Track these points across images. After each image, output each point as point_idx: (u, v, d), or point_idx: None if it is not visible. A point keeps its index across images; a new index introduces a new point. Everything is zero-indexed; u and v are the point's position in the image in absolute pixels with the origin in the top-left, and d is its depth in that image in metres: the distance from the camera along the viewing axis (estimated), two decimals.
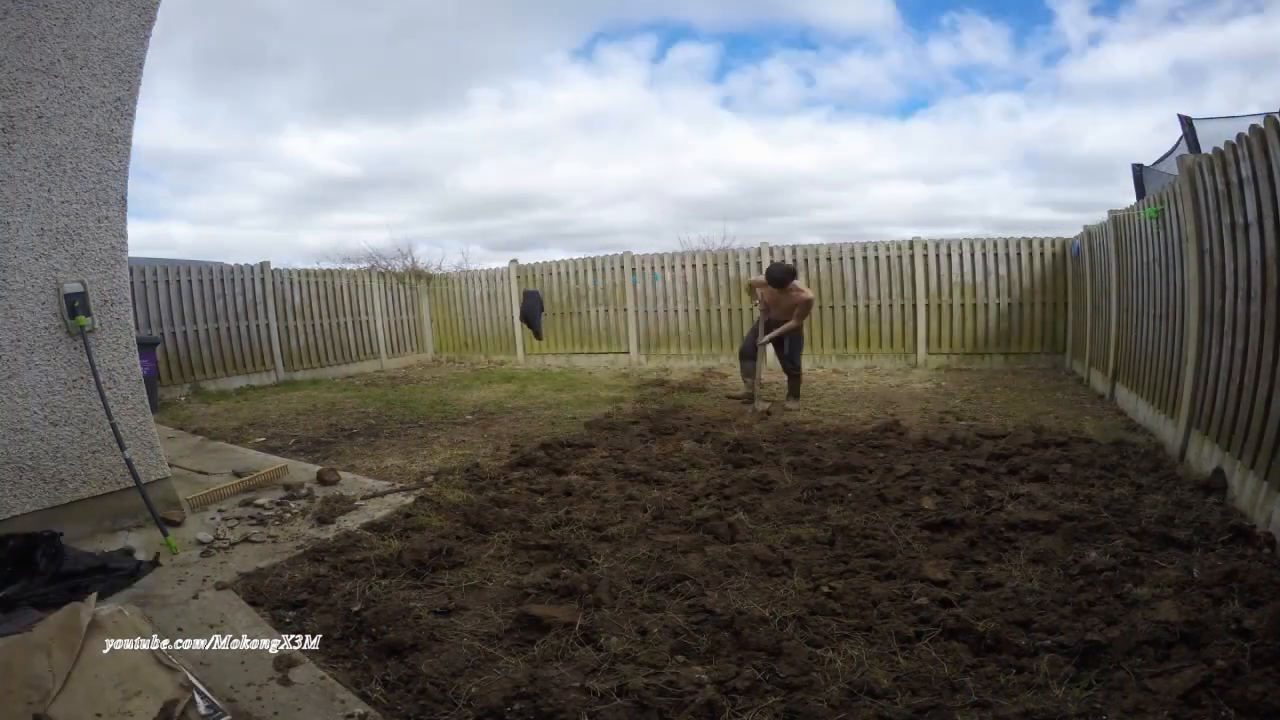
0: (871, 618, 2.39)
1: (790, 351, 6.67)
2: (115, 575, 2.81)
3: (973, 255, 9.20)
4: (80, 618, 2.17)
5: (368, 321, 11.63)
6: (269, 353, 9.95)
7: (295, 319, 10.38)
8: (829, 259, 9.82)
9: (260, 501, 3.94)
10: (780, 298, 6.43)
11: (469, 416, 6.88)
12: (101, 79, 3.41)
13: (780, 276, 6.32)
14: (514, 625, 2.45)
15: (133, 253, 3.80)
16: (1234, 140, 3.31)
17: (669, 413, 6.35)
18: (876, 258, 9.59)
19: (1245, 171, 3.16)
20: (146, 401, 3.76)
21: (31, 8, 3.12)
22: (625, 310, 11.01)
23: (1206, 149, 4.20)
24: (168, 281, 8.83)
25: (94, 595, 2.45)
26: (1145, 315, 5.17)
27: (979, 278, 9.19)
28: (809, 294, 6.53)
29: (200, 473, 4.70)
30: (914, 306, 9.42)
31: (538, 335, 11.35)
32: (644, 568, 2.88)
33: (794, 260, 9.94)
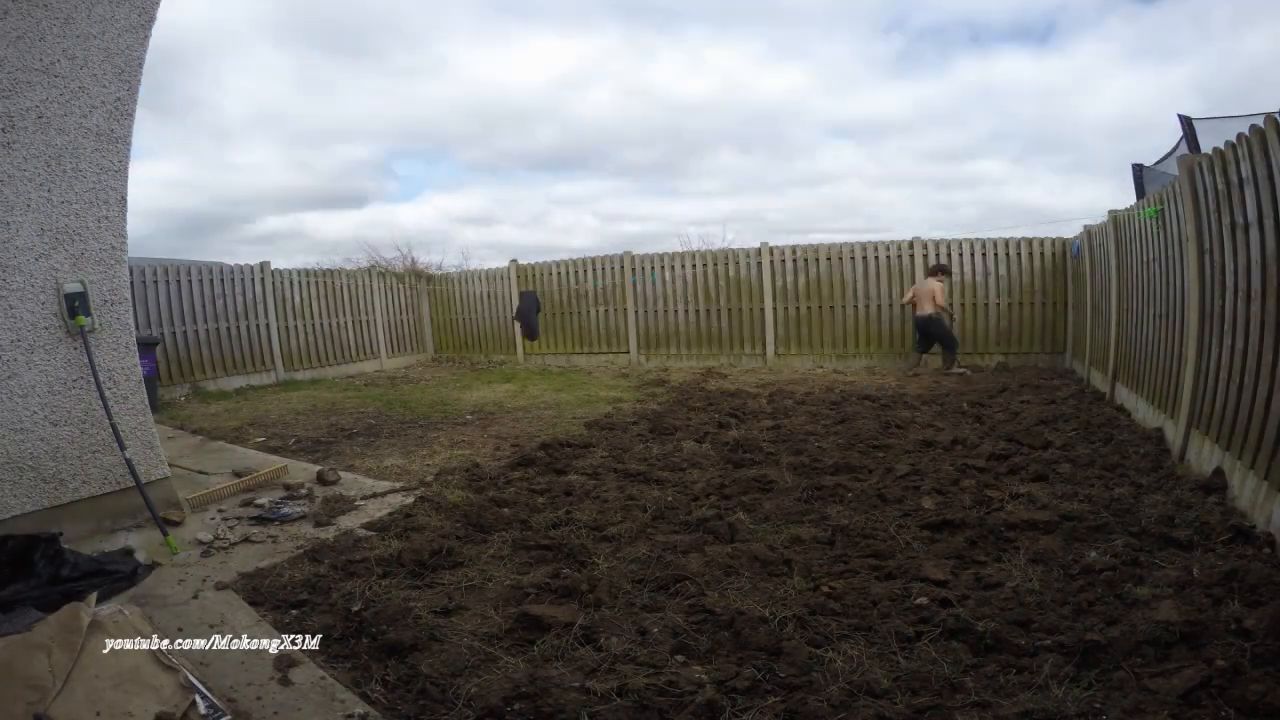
0: (871, 618, 2.39)
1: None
2: (112, 579, 2.80)
3: (972, 255, 9.20)
4: (80, 618, 2.17)
5: (368, 321, 11.63)
6: (269, 353, 9.96)
7: (295, 319, 10.39)
8: (829, 259, 9.82)
9: (260, 501, 3.94)
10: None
11: (469, 416, 6.88)
12: (101, 79, 3.41)
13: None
14: (514, 625, 2.45)
15: None
16: (1234, 140, 3.31)
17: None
18: (876, 258, 9.60)
19: (1245, 171, 3.16)
20: (146, 401, 3.76)
21: (31, 8, 3.12)
22: (625, 310, 11.01)
23: (1206, 149, 4.20)
24: (168, 281, 8.83)
25: (94, 595, 2.45)
26: (1145, 315, 5.17)
27: (979, 278, 9.20)
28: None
29: (200, 473, 4.70)
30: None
31: (531, 336, 11.37)
32: (644, 568, 2.88)
33: (796, 260, 9.97)
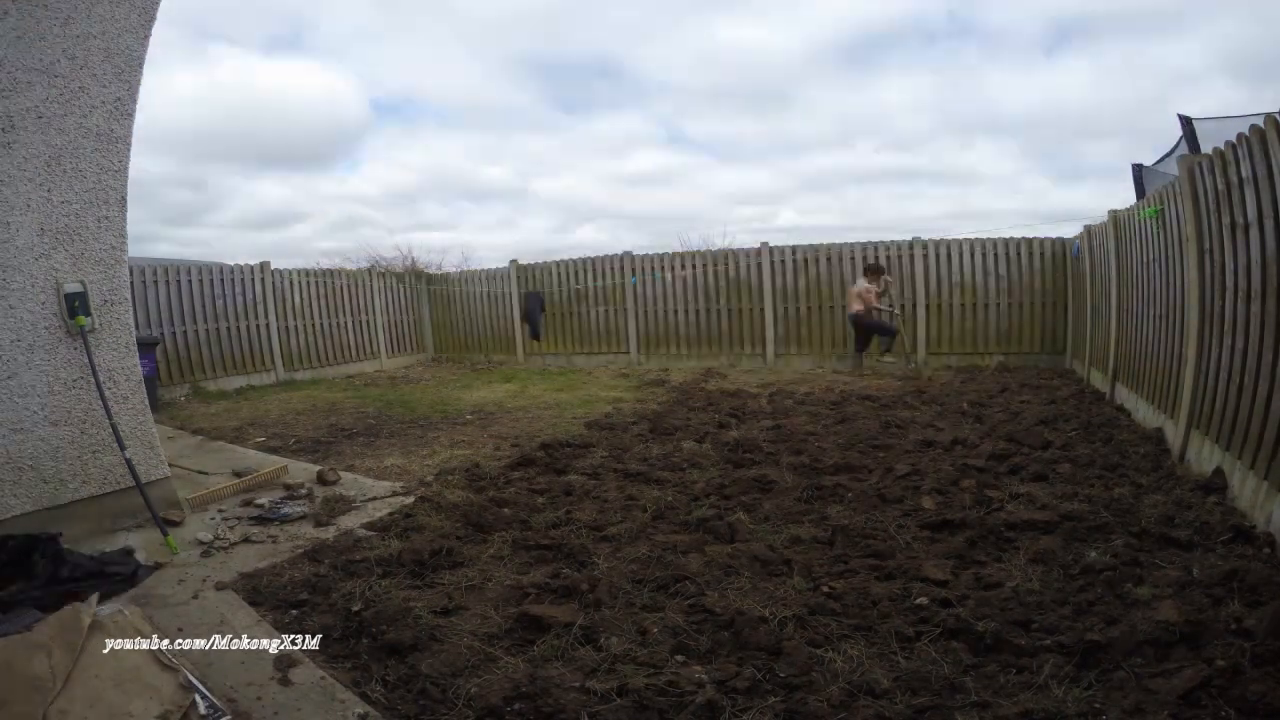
0: (871, 618, 2.39)
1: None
2: (111, 581, 2.79)
3: (973, 255, 9.20)
4: (81, 618, 2.17)
5: (368, 321, 11.63)
6: (269, 353, 9.95)
7: (295, 319, 10.38)
8: (829, 259, 9.82)
9: (260, 501, 3.94)
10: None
11: (469, 416, 6.88)
12: (101, 79, 3.41)
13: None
14: (514, 625, 2.45)
15: None
16: (1234, 140, 3.31)
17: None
18: (876, 258, 9.59)
19: (1245, 171, 3.16)
20: (146, 401, 3.76)
21: (31, 8, 3.12)
22: (625, 310, 11.01)
23: (1206, 149, 4.20)
24: (168, 281, 8.83)
25: (95, 596, 2.46)
26: (1145, 315, 5.18)
27: (979, 278, 9.19)
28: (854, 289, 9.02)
29: (200, 473, 4.70)
30: (914, 306, 9.42)
31: (535, 335, 11.39)
32: (644, 568, 2.88)
33: (796, 260, 9.98)
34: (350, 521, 3.64)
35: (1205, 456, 3.69)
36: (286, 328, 10.23)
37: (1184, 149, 6.03)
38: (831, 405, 6.53)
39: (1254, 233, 3.11)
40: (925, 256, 9.35)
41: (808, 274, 9.94)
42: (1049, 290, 8.87)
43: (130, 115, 3.56)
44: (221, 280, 9.48)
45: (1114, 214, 6.22)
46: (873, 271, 9.12)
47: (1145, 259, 5.17)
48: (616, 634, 2.34)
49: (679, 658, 2.21)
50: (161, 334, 8.60)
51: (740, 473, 4.25)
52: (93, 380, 3.44)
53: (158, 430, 3.90)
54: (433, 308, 12.99)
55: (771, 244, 10.15)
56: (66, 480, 3.38)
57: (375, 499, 4.03)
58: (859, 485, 3.87)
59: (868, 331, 9.05)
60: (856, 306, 8.91)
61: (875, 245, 9.63)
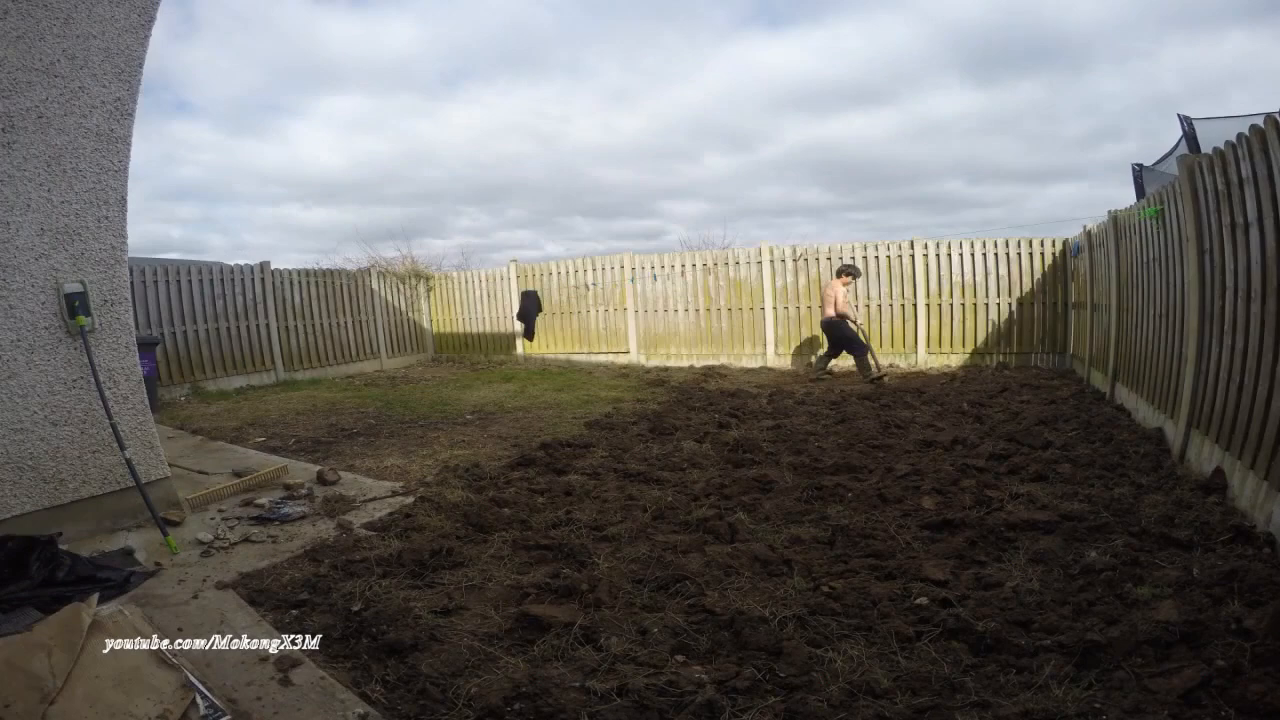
0: (871, 618, 2.39)
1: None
2: (105, 585, 2.77)
3: (973, 255, 9.20)
4: (81, 618, 2.17)
5: (368, 321, 11.63)
6: (269, 353, 9.96)
7: (295, 319, 10.39)
8: (829, 259, 9.82)
9: (260, 501, 3.94)
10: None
11: (469, 416, 6.88)
12: (101, 79, 3.41)
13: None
14: (514, 625, 2.45)
15: None
16: (1234, 140, 3.31)
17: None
18: (876, 258, 9.60)
19: (1245, 171, 3.16)
20: (146, 401, 3.76)
21: (31, 8, 3.12)
22: (625, 310, 11.02)
23: (1206, 149, 4.20)
24: (168, 281, 8.83)
25: (95, 596, 2.45)
26: (1145, 315, 5.18)
27: (979, 278, 9.20)
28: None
29: (200, 473, 4.70)
30: (914, 306, 9.42)
31: (529, 335, 11.44)
32: (644, 568, 2.88)
33: (795, 260, 9.98)
34: (350, 521, 3.64)
35: (1205, 456, 3.69)
36: (286, 328, 10.23)
37: (1184, 149, 6.03)
38: (831, 405, 6.53)
39: (1254, 233, 3.11)
40: (925, 256, 9.35)
41: (808, 274, 9.95)
42: (1049, 290, 8.87)
43: (130, 115, 3.56)
44: (221, 280, 9.48)
45: (1114, 214, 6.22)
46: (846, 273, 8.61)
47: (1145, 259, 5.17)
48: (616, 634, 2.34)
49: (679, 658, 2.21)
50: (161, 334, 8.60)
51: (740, 473, 4.25)
52: (93, 380, 3.44)
53: (158, 430, 3.90)
54: (433, 308, 12.99)
55: (771, 244, 10.16)
56: (66, 480, 3.38)
57: (375, 499, 4.03)
58: (859, 485, 3.87)
59: (838, 343, 8.53)
60: (829, 311, 8.43)
61: (875, 245, 9.63)
